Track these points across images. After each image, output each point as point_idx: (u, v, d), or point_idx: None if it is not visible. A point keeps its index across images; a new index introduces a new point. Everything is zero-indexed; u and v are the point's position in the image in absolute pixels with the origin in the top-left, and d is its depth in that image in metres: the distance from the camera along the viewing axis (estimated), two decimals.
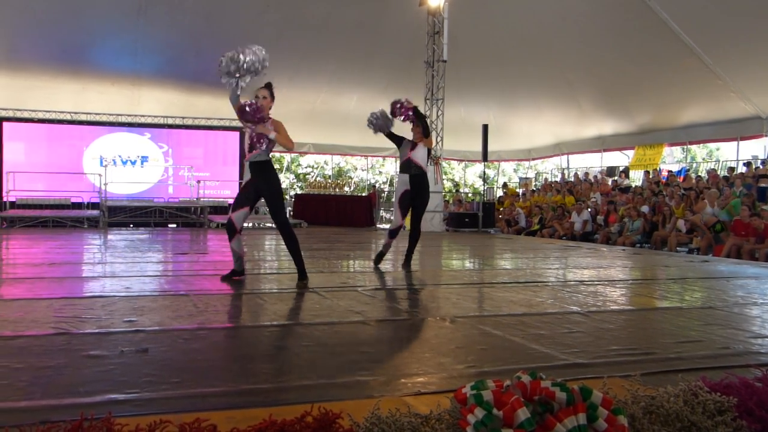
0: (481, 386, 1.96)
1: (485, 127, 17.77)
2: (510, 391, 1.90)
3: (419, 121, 7.20)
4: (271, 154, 5.82)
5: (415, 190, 7.17)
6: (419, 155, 7.19)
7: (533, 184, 25.50)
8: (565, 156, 25.09)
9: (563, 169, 24.98)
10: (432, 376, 2.91)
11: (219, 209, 19.62)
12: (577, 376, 2.78)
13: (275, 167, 6.03)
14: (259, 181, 5.73)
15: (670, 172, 19.16)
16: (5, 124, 19.33)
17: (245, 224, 6.40)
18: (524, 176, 28.96)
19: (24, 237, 11.91)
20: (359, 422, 1.95)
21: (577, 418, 1.84)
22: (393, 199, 7.43)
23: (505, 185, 26.43)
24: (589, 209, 15.78)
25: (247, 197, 5.79)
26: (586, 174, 22.05)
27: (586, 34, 17.39)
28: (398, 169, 7.43)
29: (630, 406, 2.10)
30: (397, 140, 7.39)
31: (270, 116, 5.76)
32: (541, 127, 23.90)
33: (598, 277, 7.04)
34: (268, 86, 5.88)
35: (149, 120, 20.35)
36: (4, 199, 18.18)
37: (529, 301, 5.09)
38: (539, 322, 4.21)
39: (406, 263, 7.29)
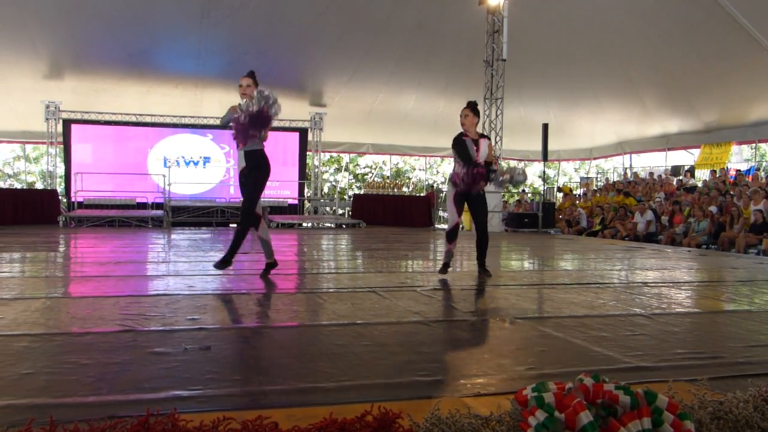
0: (543, 388, 1.94)
1: (545, 126, 17.55)
2: (572, 393, 1.87)
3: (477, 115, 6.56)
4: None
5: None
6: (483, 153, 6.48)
7: (594, 183, 25.07)
8: (628, 155, 24.58)
9: (626, 168, 24.47)
10: (491, 377, 2.88)
11: (279, 209, 19.87)
12: (641, 380, 2.72)
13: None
14: (252, 170, 5.89)
15: (738, 171, 18.58)
16: (74, 126, 19.95)
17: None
18: (585, 176, 28.47)
19: (91, 236, 12.29)
20: (419, 422, 1.94)
21: (642, 422, 1.80)
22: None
23: (559, 188, 26.06)
24: (652, 209, 15.41)
25: (243, 184, 5.97)
26: (651, 174, 21.55)
27: (651, 30, 17.01)
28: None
29: (697, 411, 2.04)
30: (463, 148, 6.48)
31: None
32: (602, 125, 23.49)
33: (662, 279, 6.87)
34: (251, 74, 5.98)
35: (211, 121, 20.76)
36: (72, 199, 18.78)
37: (591, 303, 5.00)
38: (601, 324, 4.13)
39: (482, 268, 6.69)
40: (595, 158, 27.12)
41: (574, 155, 27.45)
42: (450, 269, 6.65)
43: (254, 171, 5.92)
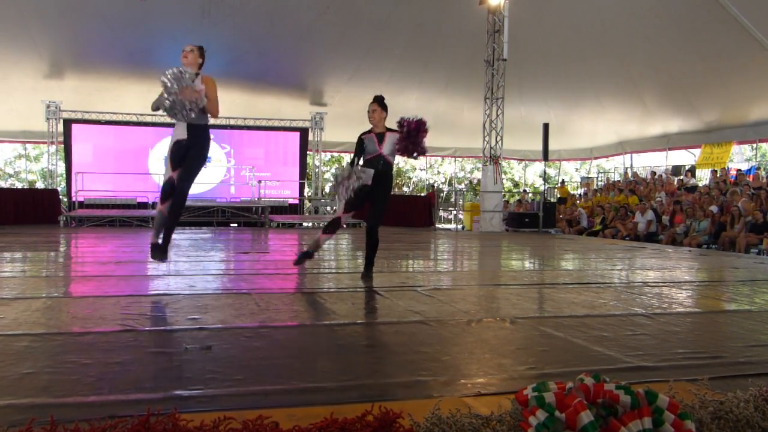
0: (543, 388, 1.93)
1: (546, 126, 17.54)
2: (573, 393, 1.87)
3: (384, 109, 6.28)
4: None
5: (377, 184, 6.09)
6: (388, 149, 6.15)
7: (595, 183, 25.07)
8: (629, 155, 24.58)
9: (626, 168, 24.47)
10: (492, 377, 2.88)
11: (280, 209, 19.87)
12: (641, 380, 2.72)
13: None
14: (195, 143, 5.60)
15: (738, 170, 18.57)
16: (74, 126, 19.96)
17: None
18: (586, 175, 28.48)
19: (92, 236, 12.29)
20: (420, 422, 1.94)
21: (642, 422, 1.80)
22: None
23: (563, 181, 26.05)
24: (653, 209, 15.40)
25: (181, 157, 5.62)
26: (652, 173, 21.55)
27: (652, 30, 17.01)
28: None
29: (697, 411, 2.04)
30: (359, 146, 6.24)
31: (199, 72, 5.64)
32: (603, 125, 23.50)
33: (663, 279, 6.87)
34: (200, 48, 5.81)
35: (212, 121, 20.75)
36: (73, 199, 18.79)
37: (592, 303, 4.99)
38: (602, 324, 4.13)
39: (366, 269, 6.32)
40: (595, 158, 27.12)
41: (574, 155, 27.45)
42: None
43: (197, 149, 5.64)
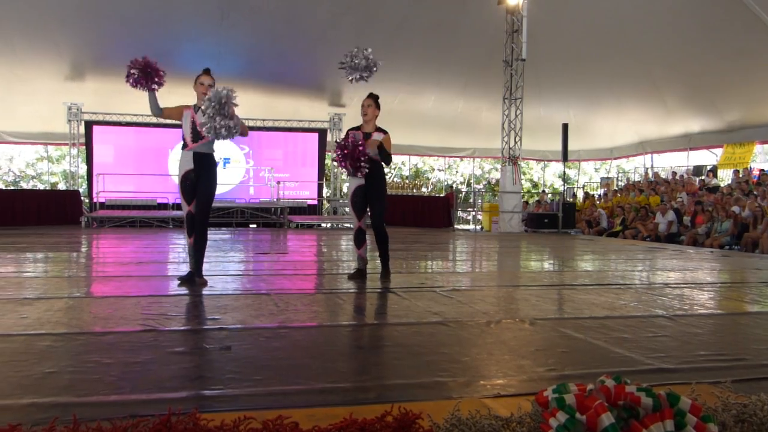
0: (564, 390, 1.92)
1: (565, 126, 17.45)
2: (593, 395, 1.85)
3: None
4: None
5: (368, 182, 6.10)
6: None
7: (615, 183, 24.89)
8: (649, 155, 24.38)
9: (647, 168, 24.28)
10: (512, 378, 2.87)
11: (298, 210, 19.93)
12: (663, 382, 2.70)
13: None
14: (202, 174, 5.58)
15: (762, 170, 18.35)
16: (95, 127, 20.13)
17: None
18: (606, 176, 28.28)
19: (113, 236, 12.40)
20: (439, 423, 1.94)
21: (664, 424, 1.78)
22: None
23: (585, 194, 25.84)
24: (674, 209, 15.26)
25: (194, 189, 5.59)
26: (673, 173, 21.37)
27: (672, 29, 16.86)
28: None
29: (720, 413, 2.01)
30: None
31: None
32: (623, 125, 23.33)
33: (684, 280, 6.81)
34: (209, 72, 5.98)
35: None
36: (94, 200, 18.96)
37: (612, 304, 4.96)
38: (622, 325, 4.10)
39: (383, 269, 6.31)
40: (615, 158, 26.92)
41: (594, 155, 27.28)
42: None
43: (206, 179, 5.64)
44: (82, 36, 17.69)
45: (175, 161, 20.23)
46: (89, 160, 20.24)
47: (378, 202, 6.15)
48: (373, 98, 6.30)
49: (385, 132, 6.15)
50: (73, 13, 16.62)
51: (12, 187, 26.31)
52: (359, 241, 6.20)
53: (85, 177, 20.88)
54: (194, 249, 5.65)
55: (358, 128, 6.19)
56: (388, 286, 5.78)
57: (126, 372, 2.87)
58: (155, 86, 5.88)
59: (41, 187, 27.70)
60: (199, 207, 5.59)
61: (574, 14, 17.59)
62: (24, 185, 28.81)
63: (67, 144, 21.04)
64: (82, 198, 18.41)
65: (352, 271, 6.35)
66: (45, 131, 21.96)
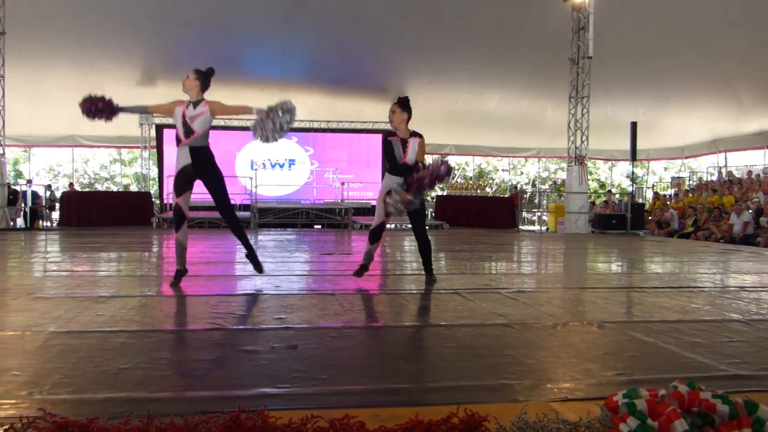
0: (634, 395, 1.88)
1: (633, 125, 17.05)
2: (666, 401, 1.81)
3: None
4: None
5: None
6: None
7: (686, 183, 24.20)
8: (723, 153, 23.59)
9: (720, 167, 23.51)
10: (579, 382, 2.82)
11: (363, 210, 20.04)
12: (739, 389, 2.61)
13: None
14: (200, 167, 5.68)
15: None
16: (165, 131, 20.66)
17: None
18: (676, 176, 27.52)
19: None
20: (506, 426, 1.92)
21: None
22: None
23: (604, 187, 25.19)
24: (751, 210, 14.72)
25: (186, 182, 5.67)
26: (749, 173, 20.63)
27: (746, 22, 16.28)
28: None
29: None
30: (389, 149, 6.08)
31: (203, 98, 5.90)
32: (695, 123, 22.66)
33: (761, 283, 6.56)
34: (198, 72, 6.05)
35: (296, 124, 20.94)
36: (165, 201, 19.47)
37: (684, 308, 4.82)
38: (695, 329, 3.98)
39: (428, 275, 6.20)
40: (686, 157, 26.15)
41: (664, 154, 26.56)
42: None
43: (206, 171, 5.82)
44: (151, 42, 18.22)
45: (242, 163, 20.77)
46: (160, 163, 20.79)
47: (419, 212, 6.05)
48: (399, 103, 6.09)
49: (420, 136, 6.02)
50: (144, 20, 17.13)
51: (87, 189, 27.26)
52: (377, 237, 6.11)
53: (156, 179, 21.47)
54: (240, 241, 5.74)
55: (394, 134, 6.07)
56: (432, 286, 5.76)
57: (196, 369, 2.94)
58: (113, 117, 5.94)
59: (114, 188, 28.63)
60: (221, 206, 5.75)
61: (642, 9, 17.15)
62: (98, 187, 29.83)
63: (138, 147, 21.72)
64: (153, 199, 18.92)
65: (358, 268, 6.27)
66: (118, 135, 22.67)
